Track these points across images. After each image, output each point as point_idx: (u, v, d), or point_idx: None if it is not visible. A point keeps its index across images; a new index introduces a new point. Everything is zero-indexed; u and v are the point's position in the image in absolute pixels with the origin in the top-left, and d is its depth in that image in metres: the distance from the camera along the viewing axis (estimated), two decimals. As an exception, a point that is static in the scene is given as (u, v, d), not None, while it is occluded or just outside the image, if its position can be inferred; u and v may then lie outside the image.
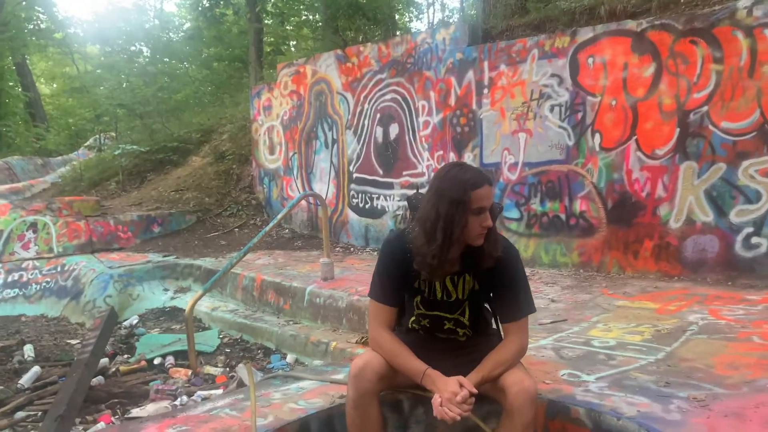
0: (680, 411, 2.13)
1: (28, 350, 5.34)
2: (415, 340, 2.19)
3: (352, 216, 7.62)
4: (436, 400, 1.95)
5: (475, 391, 1.94)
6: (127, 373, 4.87)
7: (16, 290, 6.84)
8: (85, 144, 18.38)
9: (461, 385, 1.93)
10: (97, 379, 4.55)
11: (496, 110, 6.03)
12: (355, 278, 5.41)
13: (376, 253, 7.15)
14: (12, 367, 4.97)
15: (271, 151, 8.75)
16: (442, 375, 1.99)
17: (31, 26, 21.78)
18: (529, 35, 5.91)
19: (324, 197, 7.78)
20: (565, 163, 5.51)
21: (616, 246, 5.21)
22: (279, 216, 5.10)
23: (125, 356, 5.35)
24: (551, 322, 3.74)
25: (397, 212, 7.07)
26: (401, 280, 2.13)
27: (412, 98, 6.84)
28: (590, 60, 5.32)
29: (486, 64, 6.10)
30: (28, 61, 26.52)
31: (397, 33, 7.47)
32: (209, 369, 4.83)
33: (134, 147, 9.89)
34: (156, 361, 5.11)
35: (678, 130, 4.84)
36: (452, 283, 2.12)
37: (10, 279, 6.93)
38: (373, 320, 2.19)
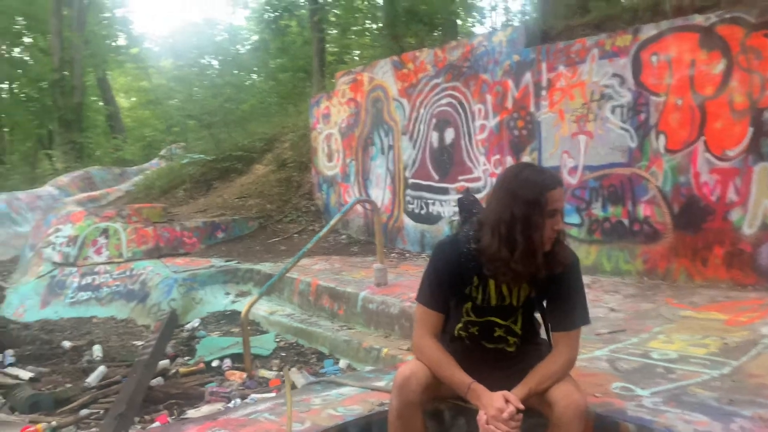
0: (743, 431, 1.97)
1: (97, 350, 5.60)
2: (460, 348, 2.13)
3: (407, 222, 7.59)
4: (481, 417, 1.87)
5: (521, 407, 1.86)
6: (186, 375, 5.02)
7: (89, 293, 7.20)
8: (159, 154, 19.25)
9: (507, 401, 1.85)
10: (157, 380, 4.70)
11: (555, 112, 5.85)
12: (409, 284, 5.36)
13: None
14: (81, 366, 5.23)
15: (330, 159, 8.85)
16: (486, 390, 1.91)
17: (111, 44, 23.09)
18: (588, 35, 5.70)
19: (380, 203, 7.80)
20: (628, 166, 5.27)
21: (683, 253, 4.92)
22: (332, 222, 5.14)
23: (186, 358, 5.52)
24: (609, 332, 3.56)
25: (453, 218, 6.97)
26: (452, 285, 2.08)
27: (468, 102, 6.74)
28: (654, 58, 5.07)
29: (544, 65, 5.94)
30: (108, 77, 28.15)
31: (458, 38, 7.39)
32: (263, 372, 4.91)
33: (201, 156, 10.26)
34: (214, 364, 5.24)
35: (751, 129, 4.53)
36: (508, 288, 2.05)
37: (84, 282, 7.30)
38: (419, 326, 2.14)
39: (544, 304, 2.10)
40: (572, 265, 2.00)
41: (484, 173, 6.61)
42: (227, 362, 5.23)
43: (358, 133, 8.32)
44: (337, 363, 4.97)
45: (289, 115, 12.06)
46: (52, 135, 20.97)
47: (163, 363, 5.19)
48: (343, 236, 8.37)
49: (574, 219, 5.70)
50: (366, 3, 13.36)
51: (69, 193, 14.15)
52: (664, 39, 5.00)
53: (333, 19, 14.59)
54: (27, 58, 26.74)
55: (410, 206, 7.57)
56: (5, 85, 25.60)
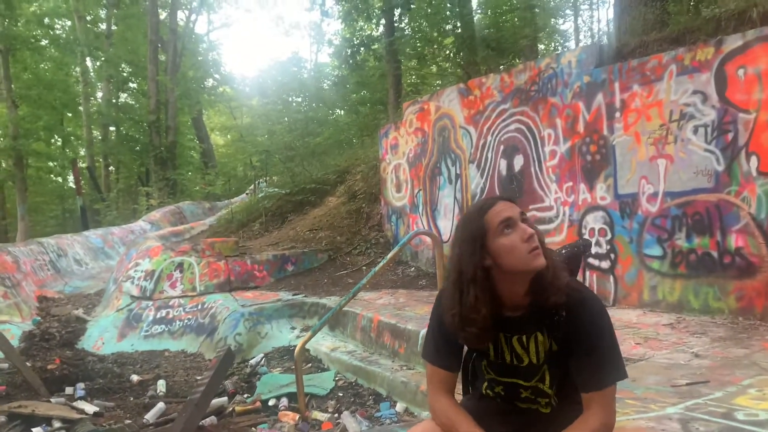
0: None
1: (161, 385, 5.66)
2: (491, 407, 1.85)
3: (478, 254, 7.24)
4: None
5: None
6: (242, 414, 4.93)
7: (163, 326, 7.37)
8: (249, 189, 20.00)
9: None
10: (210, 419, 4.65)
11: (631, 135, 5.40)
12: (470, 322, 5.02)
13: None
14: (143, 401, 5.28)
15: (398, 189, 8.71)
16: None
17: (202, 85, 24.49)
18: (665, 50, 5.24)
19: (448, 234, 7.53)
20: (715, 192, 4.73)
21: (784, 289, 4.31)
22: (388, 257, 4.93)
23: (245, 395, 5.46)
24: (687, 384, 3.10)
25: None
26: (456, 340, 1.83)
27: (537, 127, 6.39)
28: (740, 71, 4.55)
29: (617, 85, 5.52)
30: (205, 116, 29.85)
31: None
32: (317, 414, 4.73)
33: (275, 190, 10.45)
34: (271, 402, 5.13)
35: None
36: (521, 344, 1.75)
37: (158, 315, 7.50)
38: (429, 386, 1.89)
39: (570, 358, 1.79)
40: (592, 308, 1.66)
41: (556, 202, 6.20)
42: (284, 401, 5.10)
43: (425, 162, 8.14)
44: (394, 406, 4.71)
45: (361, 147, 12.11)
46: (149, 172, 22.33)
47: (221, 400, 5.15)
48: (412, 269, 8.15)
49: (656, 251, 5.18)
50: (437, 34, 13.30)
51: (160, 227, 14.91)
52: (751, 50, 4.49)
53: (409, 50, 14.64)
54: (132, 102, 28.97)
55: (479, 237, 7.23)
56: (113, 128, 27.76)
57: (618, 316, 5.08)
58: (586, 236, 5.83)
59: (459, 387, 1.95)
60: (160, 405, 4.97)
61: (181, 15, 28.40)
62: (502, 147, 6.89)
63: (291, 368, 6.05)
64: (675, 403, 2.77)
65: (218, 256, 8.11)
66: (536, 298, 1.70)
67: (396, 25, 15.43)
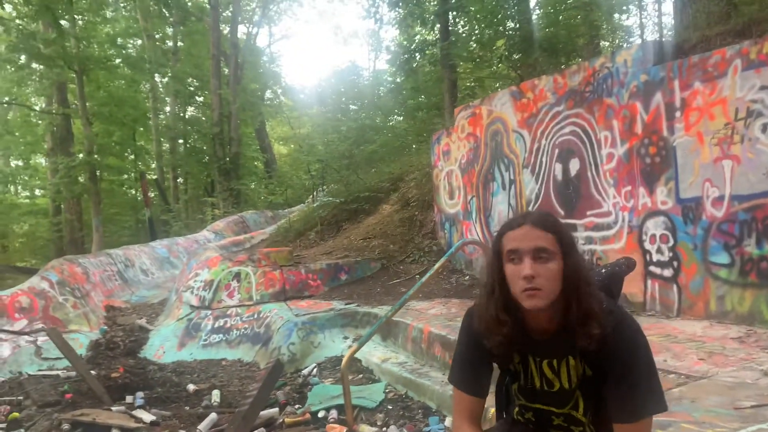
0: None
1: (215, 395, 5.76)
2: (525, 432, 1.77)
3: (533, 262, 7.02)
4: None
5: None
6: (291, 426, 4.94)
7: (221, 335, 7.52)
8: (309, 198, 20.32)
9: None
10: (260, 431, 4.68)
11: (693, 135, 5.08)
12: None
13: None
14: (197, 411, 5.39)
15: (451, 196, 8.58)
16: None
17: (263, 97, 25.14)
18: (729, 44, 4.91)
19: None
20: (787, 194, 4.37)
21: None
22: (435, 266, 4.83)
23: (296, 406, 5.47)
24: (752, 407, 2.85)
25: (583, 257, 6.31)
26: (485, 362, 1.74)
27: (593, 129, 6.13)
28: (814, 62, 4.20)
29: (676, 83, 5.21)
30: (268, 126, 30.62)
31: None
32: (364, 428, 4.68)
33: (330, 199, 10.53)
34: (320, 414, 5.12)
35: None
36: (551, 369, 1.66)
37: (216, 325, 7.66)
38: (454, 412, 1.84)
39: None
40: (627, 336, 1.56)
41: (615, 207, 5.91)
42: (333, 413, 5.08)
43: (478, 168, 7.98)
44: (443, 420, 4.60)
45: (415, 154, 12.03)
46: (214, 183, 23.06)
47: (272, 411, 5.18)
48: (467, 277, 7.99)
49: (722, 258, 4.84)
50: (493, 34, 13.07)
51: (224, 236, 15.34)
52: (825, 39, 4.13)
53: (464, 53, 14.47)
54: (199, 115, 30.10)
55: (535, 245, 7.01)
56: (181, 140, 28.93)
57: (682, 327, 4.78)
58: (647, 242, 5.53)
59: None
60: (213, 416, 5.05)
61: (243, 29, 29.39)
62: (556, 151, 6.65)
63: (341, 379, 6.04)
64: (736, 429, 2.55)
65: (273, 265, 8.23)
66: (565, 326, 1.61)
67: (451, 28, 15.30)
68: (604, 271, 1.83)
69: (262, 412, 5.10)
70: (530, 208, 7.04)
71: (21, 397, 5.70)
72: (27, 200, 29.64)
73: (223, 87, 21.60)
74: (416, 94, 18.91)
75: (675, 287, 5.27)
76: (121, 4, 25.33)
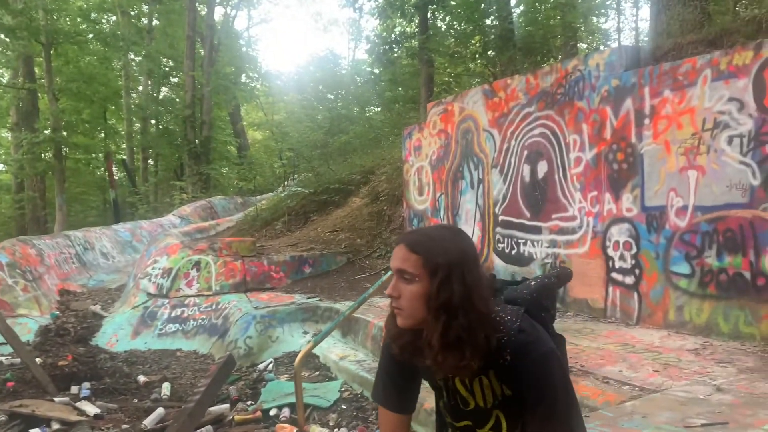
0: None
1: (166, 388, 5.59)
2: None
3: (497, 262, 6.98)
4: None
5: None
6: (241, 423, 4.80)
7: (177, 325, 7.33)
8: (281, 186, 20.01)
9: None
10: (206, 429, 4.53)
11: (660, 144, 5.05)
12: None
13: (521, 305, 6.41)
14: (144, 405, 5.21)
15: (420, 192, 8.48)
16: None
17: (237, 81, 24.68)
18: (701, 53, 4.88)
19: (469, 241, 7.28)
20: (749, 208, 4.36)
21: (824, 318, 3.93)
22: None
23: (248, 403, 5.34)
24: (703, 425, 2.80)
25: (546, 260, 6.28)
26: (408, 377, 1.65)
27: (563, 132, 6.07)
28: (782, 77, 4.17)
29: (647, 90, 5.17)
30: (242, 110, 30.12)
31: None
32: (315, 429, 4.57)
33: (299, 189, 10.34)
34: (272, 412, 4.99)
35: None
36: (464, 386, 1.57)
37: (173, 314, 7.46)
38: (380, 428, 1.72)
39: None
40: (535, 353, 1.45)
41: (580, 212, 5.87)
42: (286, 412, 4.96)
43: (448, 165, 7.89)
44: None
45: (388, 147, 11.90)
46: (183, 166, 22.61)
47: (222, 408, 5.04)
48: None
49: (683, 268, 4.83)
50: (471, 30, 12.95)
51: (190, 222, 15.02)
52: (794, 54, 4.10)
53: (441, 48, 14.35)
54: (174, 96, 29.44)
55: (500, 245, 6.96)
56: (154, 121, 28.28)
57: (640, 336, 4.77)
58: (611, 249, 5.50)
59: None
60: (160, 410, 4.89)
61: (221, 11, 28.79)
62: (525, 152, 6.59)
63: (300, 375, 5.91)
64: (685, 450, 2.49)
65: (235, 255, 8.04)
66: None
67: (430, 22, 15.15)
68: (533, 283, 1.73)
69: (212, 408, 4.95)
70: (497, 209, 6.98)
71: (-42, 384, 5.44)
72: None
73: (198, 69, 21.13)
74: (394, 86, 18.75)
75: (636, 295, 5.25)
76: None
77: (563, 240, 6.06)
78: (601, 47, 14.82)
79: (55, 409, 4.91)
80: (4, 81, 23.86)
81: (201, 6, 24.82)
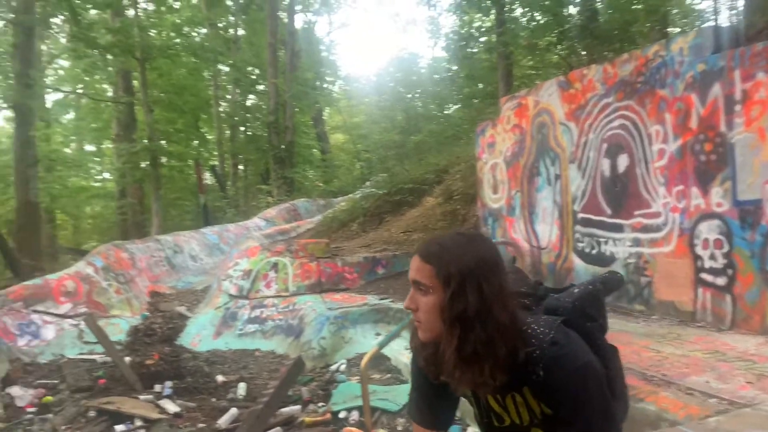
0: None
1: (242, 388, 5.74)
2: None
3: (577, 262, 6.64)
4: None
5: None
6: (310, 425, 4.84)
7: (257, 326, 7.53)
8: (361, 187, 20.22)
9: None
10: (276, 430, 4.60)
11: (753, 131, 4.60)
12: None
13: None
14: (220, 405, 5.37)
15: (495, 190, 8.24)
16: None
17: (318, 85, 25.19)
18: (800, 28, 4.40)
19: (546, 240, 7.00)
20: None
21: None
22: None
23: (319, 404, 5.37)
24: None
25: (629, 260, 5.90)
26: (439, 391, 1.56)
27: (644, 123, 5.68)
28: None
29: (737, 73, 4.72)
30: (325, 114, 30.76)
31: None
32: (382, 433, 4.52)
33: (373, 190, 10.36)
34: (341, 415, 5.00)
35: None
36: (497, 402, 1.47)
37: (253, 315, 7.68)
38: None
39: None
40: (567, 367, 1.34)
41: (665, 207, 5.47)
42: (355, 414, 4.95)
43: (523, 161, 7.61)
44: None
45: (464, 144, 11.67)
46: (268, 171, 23.33)
47: (293, 409, 5.11)
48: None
49: (783, 268, 4.37)
50: (550, 20, 12.43)
51: (275, 224, 15.47)
52: None
53: (520, 40, 13.91)
54: (261, 103, 30.55)
55: (580, 245, 6.63)
56: (243, 128, 29.46)
57: (733, 343, 4.36)
58: (699, 247, 5.08)
59: None
60: (233, 410, 5.02)
61: (303, 18, 29.52)
62: (605, 145, 6.23)
63: (372, 377, 5.89)
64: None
65: (311, 257, 8.16)
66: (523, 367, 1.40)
67: (507, 15, 14.74)
68: (576, 290, 1.58)
69: (283, 409, 5.03)
70: (576, 206, 6.65)
71: (57, 381, 5.85)
72: (98, 184, 30.97)
73: (279, 76, 21.75)
74: (472, 82, 18.43)
75: (728, 297, 4.82)
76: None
77: (647, 238, 5.67)
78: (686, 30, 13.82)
79: (138, 406, 5.17)
80: (106, 96, 25.67)
81: (283, 14, 25.56)
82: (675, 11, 15.11)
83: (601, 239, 6.29)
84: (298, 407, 5.17)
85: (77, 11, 15.92)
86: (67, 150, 28.67)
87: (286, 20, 24.84)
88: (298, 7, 26.84)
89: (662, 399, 3.35)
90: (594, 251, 6.41)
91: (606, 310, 1.65)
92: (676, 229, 5.33)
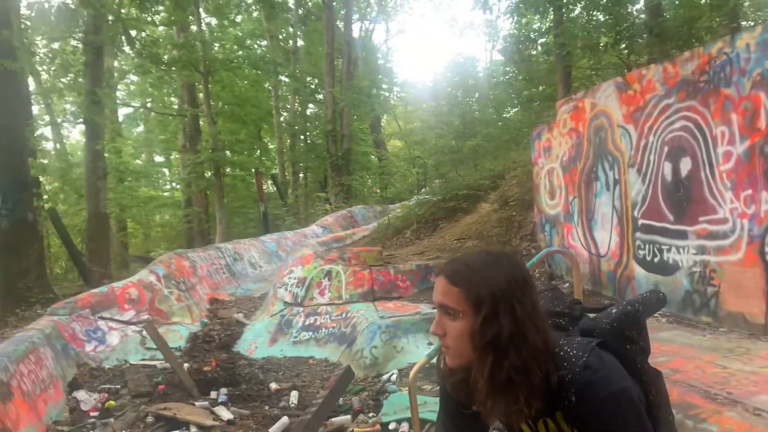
0: None
1: (294, 396, 5.77)
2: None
3: (638, 271, 6.36)
4: None
5: None
6: (359, 436, 4.81)
7: (311, 333, 7.59)
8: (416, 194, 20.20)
9: None
10: (324, 440, 4.59)
11: (830, 131, 4.27)
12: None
13: (666, 319, 5.79)
14: (272, 413, 5.42)
15: (551, 196, 8.01)
16: None
17: (375, 93, 25.38)
18: None
19: (606, 248, 6.74)
20: None
21: None
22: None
23: (370, 415, 5.34)
24: None
25: (694, 269, 5.59)
26: (467, 415, 1.51)
27: (708, 124, 5.38)
28: None
29: (811, 68, 4.40)
30: (383, 121, 30.97)
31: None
32: (431, 446, 4.44)
33: (427, 197, 10.30)
34: (391, 426, 4.94)
35: None
36: (530, 428, 1.43)
37: (307, 322, 7.74)
38: None
39: None
40: (600, 393, 1.26)
41: (732, 213, 5.15)
42: (405, 426, 4.88)
43: (580, 166, 7.37)
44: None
45: (521, 149, 11.45)
46: (326, 178, 23.68)
47: (343, 419, 5.09)
48: (567, 284, 7.43)
49: None
50: (611, 20, 12.03)
51: (331, 231, 15.64)
52: None
53: (577, 42, 13.54)
54: (320, 112, 31.09)
55: (641, 252, 6.34)
56: (303, 137, 30.04)
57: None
58: (771, 256, 4.75)
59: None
60: (284, 419, 5.05)
61: (360, 26, 29.89)
62: (666, 148, 5.94)
63: (421, 388, 5.81)
64: None
65: (363, 265, 8.17)
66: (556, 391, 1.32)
67: (565, 16, 14.40)
68: (614, 311, 1.48)
69: (333, 419, 5.03)
70: (636, 212, 6.37)
71: (119, 386, 6.07)
72: (167, 193, 32.30)
73: (336, 84, 22.05)
74: (530, 85, 18.11)
75: (804, 310, 4.48)
76: (248, 4, 26.58)
77: (713, 246, 5.36)
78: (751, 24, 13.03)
79: (194, 413, 5.29)
80: (172, 109, 26.75)
81: (341, 24, 25.91)
82: (747, 2, 14.32)
83: (664, 247, 5.99)
84: (348, 417, 5.15)
85: (140, 28, 16.67)
86: (138, 161, 30.06)
87: (343, 30, 25.23)
88: (355, 17, 27.19)
89: (726, 419, 3.14)
90: (656, 259, 6.11)
91: (647, 332, 1.54)
92: (745, 236, 5.01)
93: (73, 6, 13.85)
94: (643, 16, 12.38)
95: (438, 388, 5.62)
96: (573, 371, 1.28)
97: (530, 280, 1.38)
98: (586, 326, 1.48)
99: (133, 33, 17.97)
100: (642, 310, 1.52)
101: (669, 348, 4.69)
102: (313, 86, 29.63)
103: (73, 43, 17.53)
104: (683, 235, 5.73)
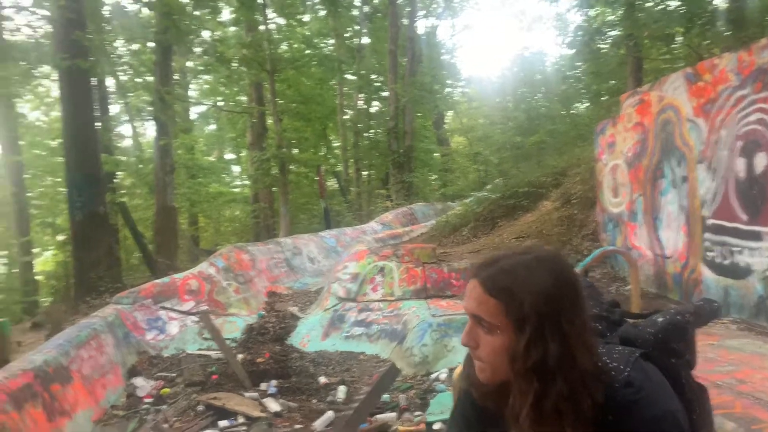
0: None
1: (341, 391, 5.78)
2: None
3: (706, 274, 5.96)
4: None
5: None
6: (403, 434, 4.74)
7: (363, 329, 7.58)
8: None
9: None
10: (367, 437, 4.55)
11: None
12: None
13: (736, 326, 5.40)
14: (319, 407, 5.44)
15: (615, 194, 7.65)
16: None
17: (438, 89, 25.17)
18: None
19: (672, 248, 6.38)
20: None
21: None
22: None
23: (416, 413, 5.26)
24: None
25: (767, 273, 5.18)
26: (489, 424, 1.39)
27: (787, 117, 4.96)
28: None
29: None
30: (447, 117, 30.71)
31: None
32: (474, 449, 4.30)
33: (485, 194, 10.08)
34: (436, 426, 4.84)
35: None
36: None
37: (359, 318, 7.74)
38: None
39: None
40: (643, 416, 1.12)
41: (813, 213, 4.73)
42: (450, 426, 4.77)
43: (645, 162, 6.99)
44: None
45: (586, 145, 11.01)
46: (388, 175, 23.70)
47: (389, 416, 5.03)
48: (629, 287, 7.07)
49: None
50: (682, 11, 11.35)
51: (391, 228, 15.63)
52: None
53: (650, 32, 12.88)
54: (384, 109, 31.19)
55: (710, 254, 5.94)
56: (366, 134, 30.24)
57: None
58: None
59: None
60: (329, 414, 5.06)
61: (426, 23, 29.68)
62: (739, 143, 5.53)
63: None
64: None
65: (416, 262, 8.08)
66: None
67: (637, 4, 13.75)
68: (660, 319, 1.32)
69: (378, 416, 4.98)
70: (705, 211, 5.98)
71: (175, 374, 6.26)
72: (237, 189, 33.31)
73: (399, 81, 22.01)
74: (599, 79, 17.44)
75: None
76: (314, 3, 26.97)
77: (790, 249, 4.94)
78: None
79: (242, 403, 5.38)
80: (242, 106, 27.50)
81: (406, 21, 25.84)
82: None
83: (735, 248, 5.59)
84: (393, 415, 5.09)
85: (202, 27, 17.20)
86: (210, 158, 31.12)
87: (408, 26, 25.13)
88: (421, 13, 27.04)
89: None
90: (726, 261, 5.71)
91: (695, 345, 1.37)
92: (827, 238, 4.59)
93: (144, 8, 14.43)
94: (717, 1, 11.69)
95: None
96: (613, 387, 1.14)
97: (581, 290, 1.19)
98: (627, 334, 1.31)
99: (206, 34, 18.66)
100: (692, 321, 1.35)
101: (737, 356, 4.36)
102: (377, 84, 29.73)
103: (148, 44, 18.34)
104: (757, 237, 5.32)
